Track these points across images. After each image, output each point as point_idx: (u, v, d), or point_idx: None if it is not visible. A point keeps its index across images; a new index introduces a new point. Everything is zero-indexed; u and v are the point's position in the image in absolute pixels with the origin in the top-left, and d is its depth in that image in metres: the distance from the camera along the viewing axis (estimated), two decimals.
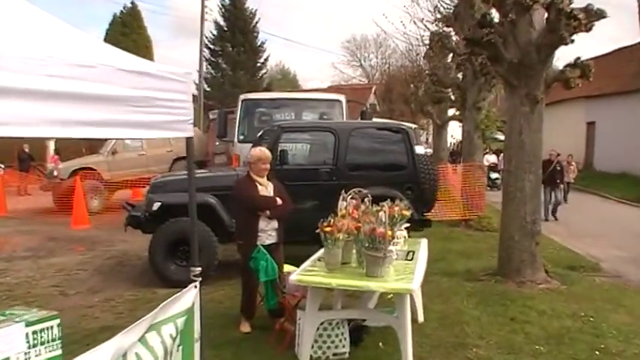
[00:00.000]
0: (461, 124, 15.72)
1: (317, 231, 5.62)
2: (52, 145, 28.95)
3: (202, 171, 10.76)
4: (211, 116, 20.12)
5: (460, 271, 9.44)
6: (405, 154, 9.62)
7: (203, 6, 38.63)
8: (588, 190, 24.91)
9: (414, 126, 21.03)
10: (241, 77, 50.32)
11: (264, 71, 53.03)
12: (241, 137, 12.60)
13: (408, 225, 7.11)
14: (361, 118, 12.74)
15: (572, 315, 7.10)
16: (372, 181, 9.39)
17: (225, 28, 51.29)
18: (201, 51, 41.60)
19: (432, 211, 14.89)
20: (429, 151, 23.60)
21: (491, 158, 26.46)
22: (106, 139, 21.40)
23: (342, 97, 12.96)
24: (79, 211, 15.16)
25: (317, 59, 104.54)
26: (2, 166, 23.38)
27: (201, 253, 8.97)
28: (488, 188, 22.99)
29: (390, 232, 5.34)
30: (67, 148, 26.71)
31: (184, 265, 8.95)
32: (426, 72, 17.34)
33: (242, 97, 13.16)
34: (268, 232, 6.65)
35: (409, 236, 8.24)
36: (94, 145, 21.85)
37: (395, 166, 9.69)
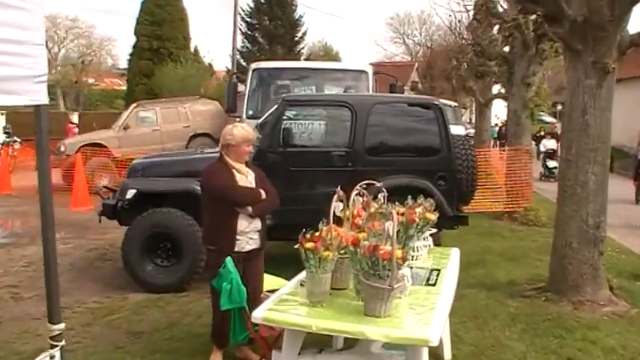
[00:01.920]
0: (506, 103, 13.80)
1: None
2: (75, 119, 27.81)
3: (186, 152, 9.18)
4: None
5: (501, 281, 7.68)
6: (438, 135, 7.88)
7: None
8: None
9: (453, 104, 19.24)
10: (278, 51, 48.70)
11: (301, 46, 51.27)
12: (250, 113, 10.90)
13: (434, 231, 5.45)
14: (390, 93, 10.96)
15: None
16: (396, 168, 7.78)
17: (263, 1, 49.83)
18: (235, 23, 40.03)
19: (475, 202, 13.34)
20: (471, 131, 21.68)
21: (549, 144, 23.26)
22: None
23: (368, 68, 11.17)
24: (80, 191, 13.79)
25: (360, 36, 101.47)
26: (18, 139, 22.20)
27: (184, 250, 7.58)
28: (544, 178, 21.17)
29: (400, 252, 3.66)
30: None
31: (165, 266, 7.47)
32: (469, 43, 15.38)
33: (253, 65, 11.46)
34: (249, 234, 5.07)
35: (438, 243, 6.58)
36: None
37: (425, 150, 7.97)
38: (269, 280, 5.39)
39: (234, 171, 5.07)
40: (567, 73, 6.85)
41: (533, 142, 28.67)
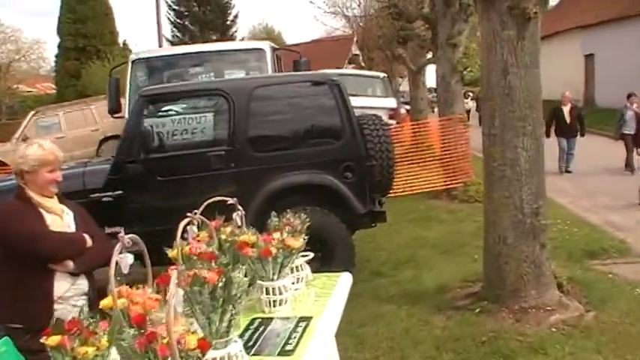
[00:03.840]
0: None
1: None
2: None
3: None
4: None
5: (430, 287, 6.26)
6: (338, 117, 6.45)
7: None
8: (591, 131, 21.83)
9: (382, 74, 17.81)
10: (211, 38, 46.88)
11: (234, 29, 49.32)
12: None
13: (309, 256, 4.02)
14: (294, 71, 9.43)
15: None
16: (291, 163, 6.34)
17: None
18: (158, 11, 37.96)
19: (407, 181, 12.00)
20: (406, 106, 20.14)
21: None
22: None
23: (265, 45, 9.60)
24: None
25: (301, 14, 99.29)
26: None
27: None
28: None
29: (195, 338, 2.19)
30: None
31: None
32: (384, 6, 13.93)
33: (132, 56, 9.77)
34: (72, 300, 3.52)
35: (319, 268, 5.06)
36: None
37: (324, 136, 6.54)
38: None
39: (41, 210, 3.52)
40: (481, 25, 5.45)
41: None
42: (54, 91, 43.60)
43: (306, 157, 6.39)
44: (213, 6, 47.42)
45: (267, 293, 3.52)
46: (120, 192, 6.15)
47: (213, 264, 2.77)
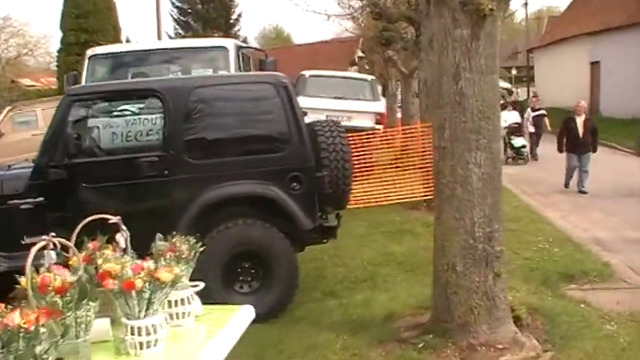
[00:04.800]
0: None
1: None
2: None
3: None
4: None
5: (377, 315, 5.61)
6: (285, 122, 5.85)
7: None
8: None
9: (369, 77, 17.14)
10: (215, 36, 46.53)
11: (237, 28, 48.80)
12: None
13: (199, 286, 3.44)
14: (260, 71, 8.82)
15: None
16: (232, 171, 5.77)
17: None
18: (158, 7, 37.42)
19: (388, 190, 11.37)
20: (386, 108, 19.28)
21: (511, 117, 18.52)
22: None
23: (228, 43, 8.99)
24: None
25: (310, 14, 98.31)
26: None
27: None
28: (511, 161, 17.57)
29: None
30: None
31: None
32: (364, 5, 13.31)
33: (89, 52, 9.16)
34: None
35: (258, 288, 4.52)
36: None
37: (269, 143, 5.95)
38: None
39: None
40: (433, 22, 4.83)
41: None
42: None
43: (248, 165, 5.81)
44: (217, 4, 47.06)
45: (133, 333, 2.92)
46: (41, 199, 5.60)
47: (58, 300, 2.23)
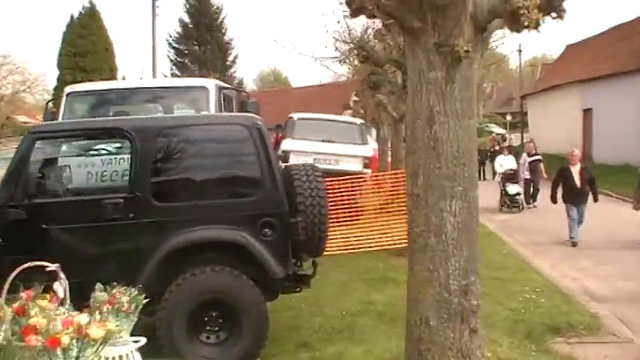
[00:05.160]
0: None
1: None
2: None
3: None
4: None
5: None
6: (258, 165, 5.62)
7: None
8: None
9: (359, 121, 17.04)
10: (210, 77, 46.82)
11: (233, 70, 49.10)
12: None
13: (140, 342, 3.18)
14: (241, 112, 8.65)
15: None
16: (200, 215, 5.51)
17: (191, 25, 47.79)
18: (154, 49, 37.59)
19: (375, 236, 11.09)
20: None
21: (507, 162, 18.10)
22: None
23: (209, 83, 8.83)
24: None
25: (308, 59, 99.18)
26: None
27: None
28: (506, 209, 17.44)
29: None
30: None
31: None
32: (351, 48, 13.24)
33: (67, 89, 8.99)
34: None
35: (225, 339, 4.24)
36: None
37: (241, 186, 5.74)
38: None
39: None
40: (408, 64, 4.64)
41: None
42: None
43: (218, 209, 5.59)
44: (214, 46, 47.48)
45: None
46: None
47: None
